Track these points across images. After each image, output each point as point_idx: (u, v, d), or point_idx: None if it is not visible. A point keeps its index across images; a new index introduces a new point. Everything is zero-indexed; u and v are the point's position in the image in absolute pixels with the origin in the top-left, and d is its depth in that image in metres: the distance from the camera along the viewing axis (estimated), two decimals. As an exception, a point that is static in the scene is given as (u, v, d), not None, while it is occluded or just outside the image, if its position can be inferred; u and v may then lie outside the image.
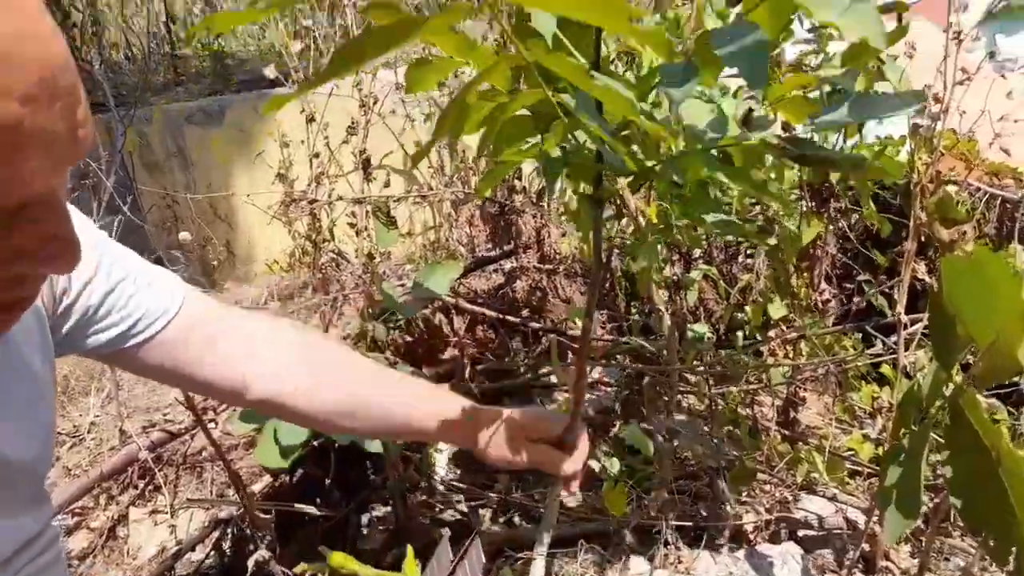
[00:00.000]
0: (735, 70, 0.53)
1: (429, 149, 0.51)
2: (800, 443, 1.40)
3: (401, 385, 0.82)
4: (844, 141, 1.07)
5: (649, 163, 0.75)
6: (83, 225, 0.68)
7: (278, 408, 0.79)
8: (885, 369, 1.39)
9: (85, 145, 0.44)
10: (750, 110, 0.86)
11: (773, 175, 1.20)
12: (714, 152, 0.74)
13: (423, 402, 0.80)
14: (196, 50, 3.51)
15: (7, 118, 0.37)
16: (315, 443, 1.37)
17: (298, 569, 0.73)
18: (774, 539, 1.34)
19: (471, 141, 0.67)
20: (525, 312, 1.91)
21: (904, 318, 0.78)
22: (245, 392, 0.77)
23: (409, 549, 0.69)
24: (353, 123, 1.75)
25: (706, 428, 1.55)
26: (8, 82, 0.37)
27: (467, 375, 1.71)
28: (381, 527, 1.49)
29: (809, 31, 1.31)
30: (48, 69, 0.39)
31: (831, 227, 1.28)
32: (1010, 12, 2.39)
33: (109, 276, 0.68)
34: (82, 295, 0.67)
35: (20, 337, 0.61)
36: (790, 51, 1.34)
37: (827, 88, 0.93)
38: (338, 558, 0.66)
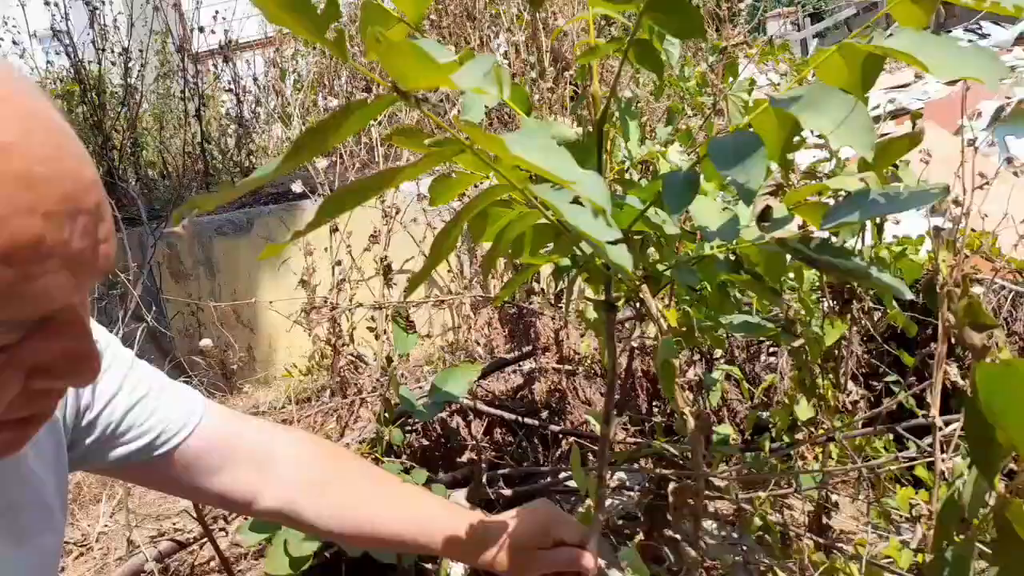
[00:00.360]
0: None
1: (427, 273, 0.53)
2: (835, 551, 1.32)
3: (413, 500, 0.81)
4: (863, 242, 1.07)
5: (661, 267, 0.76)
6: (109, 344, 0.70)
7: (288, 519, 0.78)
8: (920, 471, 1.33)
9: (107, 261, 0.44)
10: (768, 207, 0.87)
11: (791, 275, 1.21)
12: (728, 255, 0.75)
13: (434, 520, 0.79)
14: (228, 167, 3.68)
15: (29, 234, 0.38)
16: (327, 554, 1.33)
17: None
18: (816, 659, 1.25)
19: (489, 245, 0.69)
20: (544, 414, 1.88)
21: (939, 421, 0.75)
22: (255, 502, 0.77)
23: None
24: (375, 232, 1.81)
25: (735, 535, 1.48)
26: (33, 201, 0.38)
27: (485, 479, 1.67)
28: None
29: (820, 136, 1.34)
30: (72, 188, 0.41)
31: (854, 327, 1.27)
32: (1017, 117, 2.45)
33: (132, 392, 0.70)
34: (105, 410, 0.68)
35: (32, 453, 0.61)
36: (801, 157, 1.38)
37: (842, 194, 0.94)
38: None
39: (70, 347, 0.45)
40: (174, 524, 1.72)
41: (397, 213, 1.87)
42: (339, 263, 1.88)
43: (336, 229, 1.84)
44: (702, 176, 0.64)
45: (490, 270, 0.70)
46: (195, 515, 1.28)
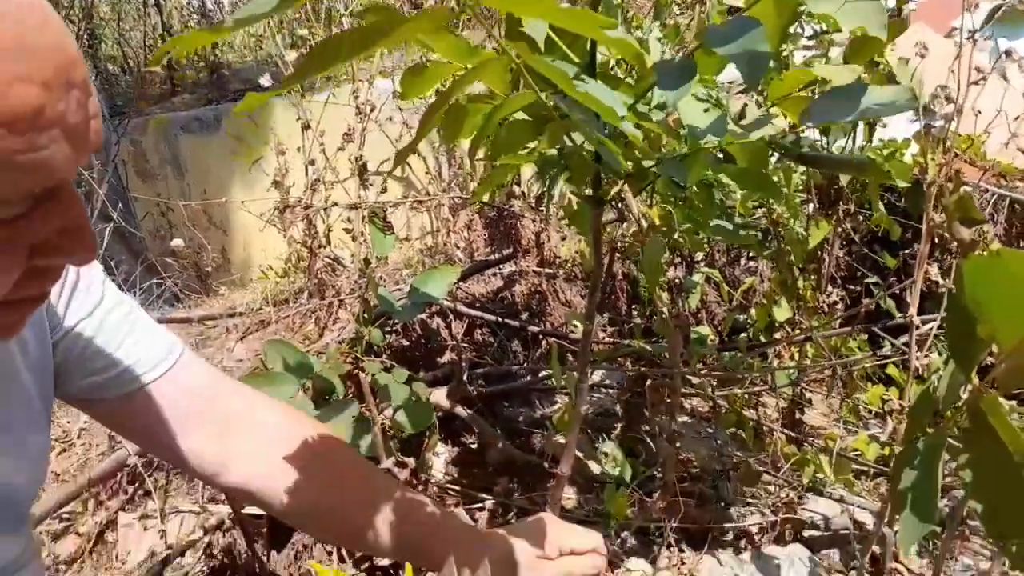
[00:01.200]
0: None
1: (413, 148, 0.50)
2: (806, 444, 1.38)
3: (392, 500, 0.74)
4: (853, 144, 1.05)
5: (647, 163, 0.74)
6: (92, 267, 0.66)
7: (253, 499, 0.74)
8: (891, 370, 1.37)
9: (97, 137, 0.45)
10: (744, 106, 0.84)
11: (777, 178, 1.19)
12: (717, 152, 0.73)
13: (414, 526, 0.73)
14: (192, 61, 3.49)
15: (29, 102, 0.39)
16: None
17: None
18: (780, 541, 1.32)
19: (468, 146, 0.66)
20: (524, 316, 1.89)
21: (916, 319, 0.76)
22: (222, 473, 0.72)
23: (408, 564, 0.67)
24: (350, 130, 1.74)
25: (710, 430, 1.53)
26: (29, 69, 0.39)
27: (465, 378, 1.70)
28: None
29: (810, 38, 1.29)
30: (63, 60, 0.41)
31: (838, 229, 1.27)
32: (1011, 17, 2.39)
33: (105, 319, 0.66)
34: (74, 330, 0.64)
35: (17, 347, 0.59)
36: (798, 56, 1.33)
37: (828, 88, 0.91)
38: (326, 574, 0.64)
39: (69, 223, 0.46)
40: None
41: (372, 111, 1.79)
42: (312, 163, 1.82)
43: (308, 127, 1.77)
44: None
45: (474, 157, 0.67)
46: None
